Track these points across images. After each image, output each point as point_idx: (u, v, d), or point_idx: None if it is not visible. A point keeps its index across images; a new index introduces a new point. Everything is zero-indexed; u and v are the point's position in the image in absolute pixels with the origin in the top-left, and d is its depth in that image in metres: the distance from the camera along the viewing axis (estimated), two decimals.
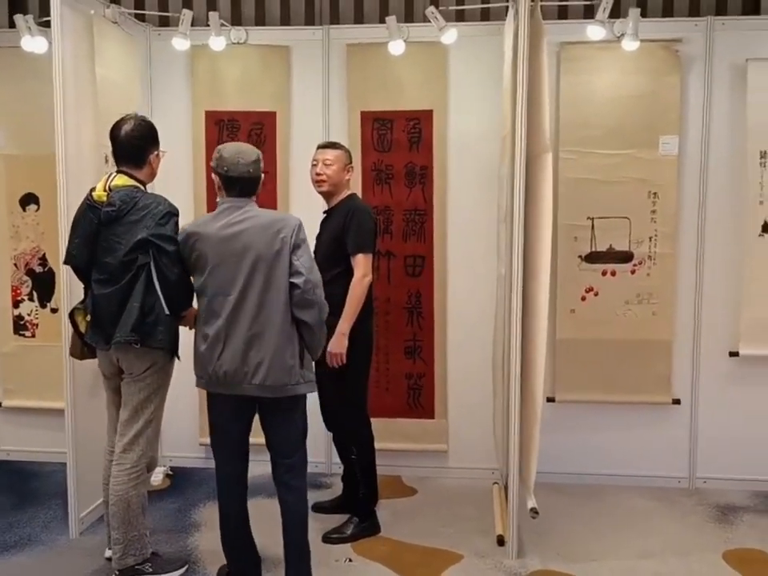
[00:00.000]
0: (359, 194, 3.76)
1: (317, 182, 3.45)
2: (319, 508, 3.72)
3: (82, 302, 3.08)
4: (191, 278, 2.91)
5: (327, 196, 3.49)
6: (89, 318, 3.02)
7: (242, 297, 2.75)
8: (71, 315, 3.10)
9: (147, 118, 3.12)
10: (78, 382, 3.46)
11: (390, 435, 4.14)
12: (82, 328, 3.06)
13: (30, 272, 4.31)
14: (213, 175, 2.90)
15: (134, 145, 2.99)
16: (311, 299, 2.76)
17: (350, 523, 3.50)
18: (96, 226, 2.94)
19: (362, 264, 3.31)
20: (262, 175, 2.92)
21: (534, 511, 3.18)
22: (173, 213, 2.94)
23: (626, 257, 4.01)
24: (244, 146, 2.95)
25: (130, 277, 2.88)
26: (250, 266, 2.75)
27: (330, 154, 3.43)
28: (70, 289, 3.38)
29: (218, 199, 2.93)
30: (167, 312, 2.90)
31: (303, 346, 2.83)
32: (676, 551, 3.37)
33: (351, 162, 3.51)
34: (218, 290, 2.78)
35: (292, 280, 2.75)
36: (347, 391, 3.38)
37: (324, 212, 3.53)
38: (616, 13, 3.90)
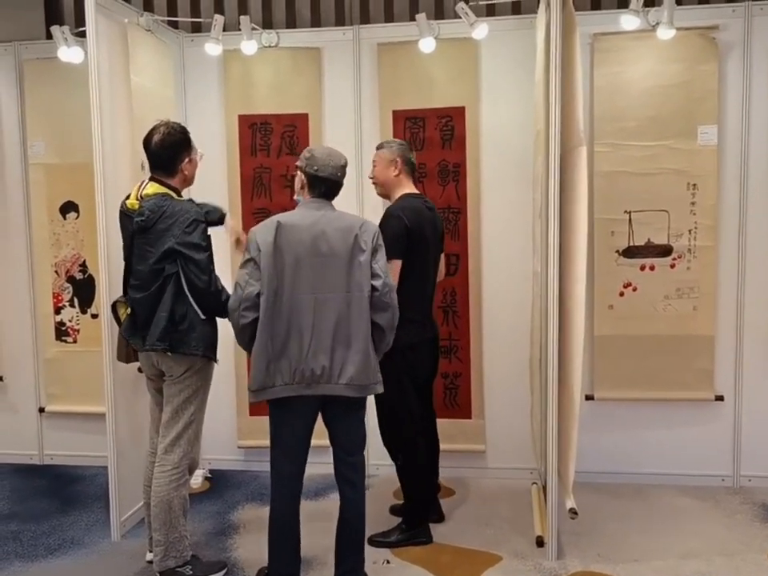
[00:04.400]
0: None
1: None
2: (393, 510, 3.67)
3: (125, 294, 3.12)
4: (261, 267, 2.77)
5: (385, 198, 3.52)
6: (129, 311, 3.07)
7: (330, 296, 2.79)
8: (113, 307, 3.16)
9: (179, 124, 3.11)
10: (119, 386, 3.51)
11: None
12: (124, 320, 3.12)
13: (70, 279, 4.38)
14: (298, 173, 2.94)
15: (165, 154, 3.01)
16: (387, 302, 2.82)
17: (397, 529, 3.44)
18: (131, 233, 2.99)
19: None
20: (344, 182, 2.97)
21: (573, 511, 3.13)
22: (199, 220, 2.94)
23: (665, 250, 3.93)
24: (335, 150, 2.98)
25: (159, 285, 2.93)
26: (336, 266, 2.79)
27: (375, 156, 3.46)
28: (109, 295, 3.42)
29: (296, 197, 2.96)
30: (203, 317, 2.94)
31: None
32: (720, 551, 3.30)
33: (398, 157, 3.39)
34: (302, 287, 2.79)
35: (371, 282, 2.81)
36: (392, 400, 3.27)
37: None
38: (650, 1, 3.83)
